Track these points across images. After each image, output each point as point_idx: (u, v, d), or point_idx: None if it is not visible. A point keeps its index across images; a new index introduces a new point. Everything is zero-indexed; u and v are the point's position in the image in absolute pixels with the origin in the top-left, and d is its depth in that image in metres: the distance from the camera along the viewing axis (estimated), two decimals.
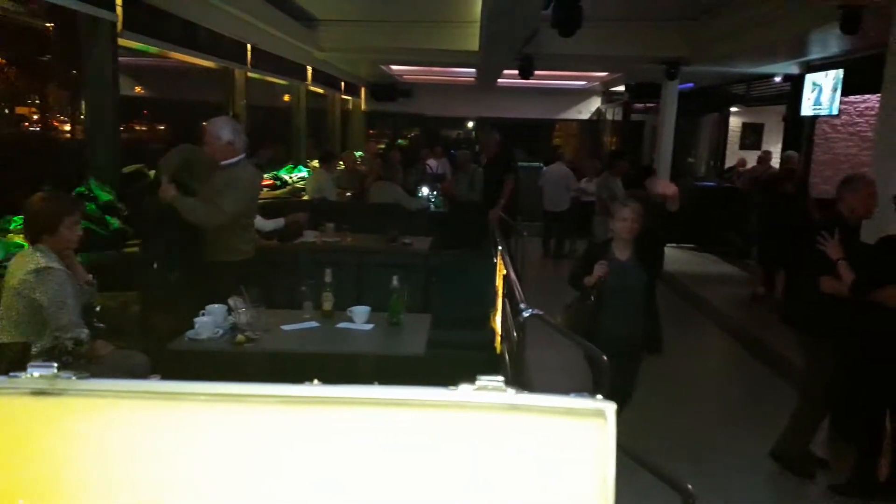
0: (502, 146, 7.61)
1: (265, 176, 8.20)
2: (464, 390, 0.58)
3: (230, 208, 3.75)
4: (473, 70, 11.57)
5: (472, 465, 0.55)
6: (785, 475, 3.92)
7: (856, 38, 6.46)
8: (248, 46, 7.65)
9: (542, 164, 13.96)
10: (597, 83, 14.56)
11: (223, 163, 3.83)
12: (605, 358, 3.40)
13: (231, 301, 3.49)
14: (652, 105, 12.18)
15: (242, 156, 3.92)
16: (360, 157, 11.40)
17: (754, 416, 4.86)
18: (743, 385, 5.68)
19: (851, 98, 9.06)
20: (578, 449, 0.55)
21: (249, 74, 7.96)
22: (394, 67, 13.13)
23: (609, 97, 15.73)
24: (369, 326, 3.64)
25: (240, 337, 3.37)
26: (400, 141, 15.97)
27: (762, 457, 4.02)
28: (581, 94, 16.26)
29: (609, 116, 16.27)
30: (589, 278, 3.62)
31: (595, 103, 16.62)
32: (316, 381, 0.58)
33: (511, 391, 0.58)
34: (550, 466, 0.55)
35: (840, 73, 8.51)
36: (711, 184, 12.10)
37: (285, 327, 3.59)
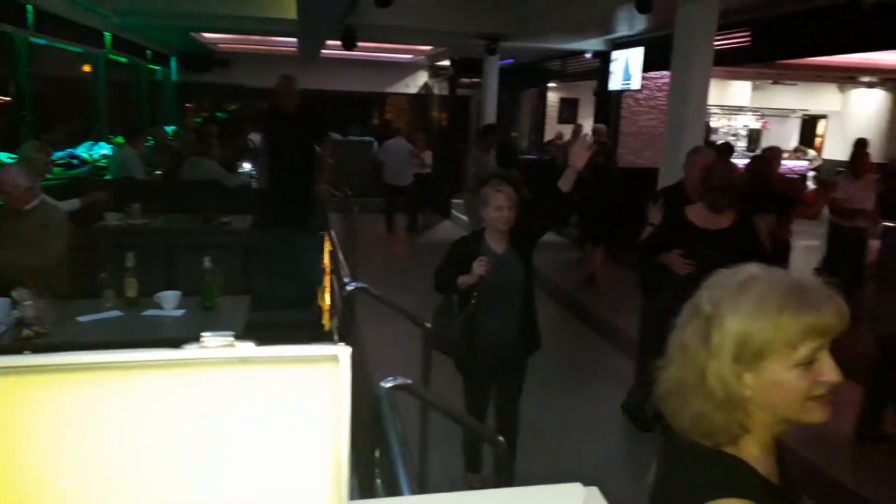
0: (307, 104, 6.84)
1: (59, 154, 7.40)
2: (190, 349, 0.55)
3: (58, 248, 3.71)
4: (295, 40, 11.20)
5: (202, 423, 0.53)
6: (632, 427, 4.35)
7: (653, 17, 7.09)
8: (30, 8, 6.81)
9: (374, 139, 13.98)
10: (422, 57, 14.73)
11: (27, 208, 3.73)
12: (490, 386, 3.40)
13: (14, 293, 3.14)
14: (477, 80, 12.58)
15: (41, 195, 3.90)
16: (173, 132, 10.64)
17: (593, 378, 5.30)
18: (578, 350, 6.07)
19: (652, 74, 9.95)
20: (313, 395, 0.55)
21: (33, 40, 7.11)
22: (207, 36, 12.36)
23: (436, 71, 16.01)
24: (180, 312, 3.45)
25: (26, 332, 3.04)
26: (219, 114, 15.13)
27: (613, 413, 4.42)
28: (408, 68, 16.39)
29: (436, 91, 16.57)
30: (466, 278, 3.12)
31: (422, 77, 16.83)
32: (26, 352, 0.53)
33: (242, 345, 0.56)
34: (284, 415, 0.55)
35: (641, 50, 9.32)
36: (533, 157, 12.79)
37: (82, 318, 3.30)
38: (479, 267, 3.06)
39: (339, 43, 9.46)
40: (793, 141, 15.82)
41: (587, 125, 12.25)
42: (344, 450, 0.54)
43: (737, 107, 15.06)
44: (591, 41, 10.27)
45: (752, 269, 1.09)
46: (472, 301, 3.16)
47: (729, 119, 15.52)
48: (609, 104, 10.82)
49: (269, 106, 6.11)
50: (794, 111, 15.64)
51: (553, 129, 14.57)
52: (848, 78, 13.89)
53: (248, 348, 0.56)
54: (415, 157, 10.71)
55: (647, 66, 9.29)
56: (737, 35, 7.72)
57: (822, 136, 15.33)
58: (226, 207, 6.03)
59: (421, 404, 2.96)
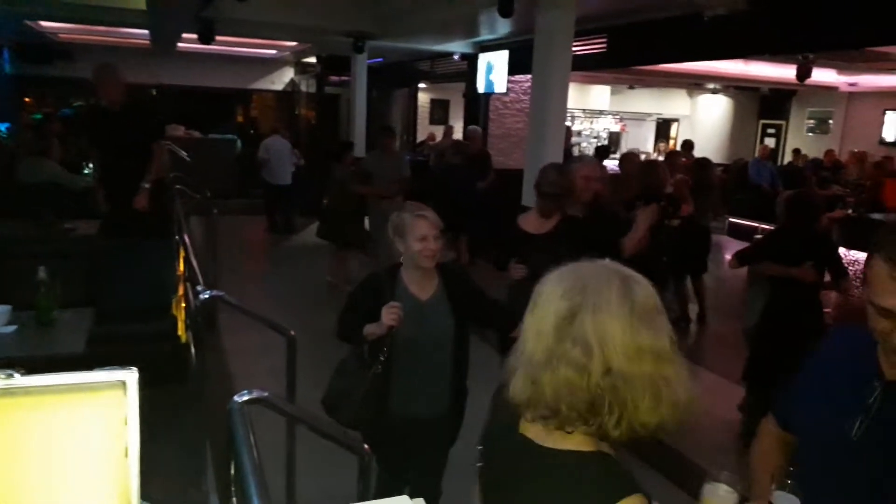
0: (137, 99, 6.24)
1: None
2: None
3: None
4: (147, 32, 10.58)
5: None
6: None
7: (516, 22, 7.34)
8: None
9: (235, 137, 13.47)
10: (287, 53, 14.40)
11: None
12: (397, 451, 2.69)
13: None
14: (346, 78, 12.48)
15: None
16: (6, 129, 9.74)
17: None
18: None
19: (518, 77, 10.31)
20: (98, 424, 0.52)
21: None
22: (45, 24, 11.38)
23: (303, 68, 15.71)
24: (11, 329, 3.16)
25: None
26: (65, 111, 13.99)
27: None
28: (273, 64, 15.95)
29: (304, 88, 16.26)
30: (373, 328, 2.47)
31: (288, 74, 16.45)
32: None
33: (19, 376, 0.52)
34: (68, 446, 0.51)
35: (506, 53, 9.64)
36: (406, 157, 12.86)
37: None
38: (388, 315, 2.37)
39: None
40: (649, 143, 16.97)
41: (458, 126, 12.50)
42: (133, 479, 0.52)
43: (598, 110, 15.95)
44: (458, 43, 10.49)
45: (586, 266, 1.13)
46: (382, 358, 2.46)
47: (591, 122, 16.42)
48: (478, 106, 11.09)
49: (90, 102, 5.55)
50: (649, 115, 16.80)
51: (425, 129, 14.75)
52: (695, 84, 15.14)
53: (27, 380, 0.52)
54: (291, 157, 10.45)
55: (513, 69, 9.63)
56: (594, 41, 8.18)
57: (674, 139, 16.56)
58: (70, 212, 5.60)
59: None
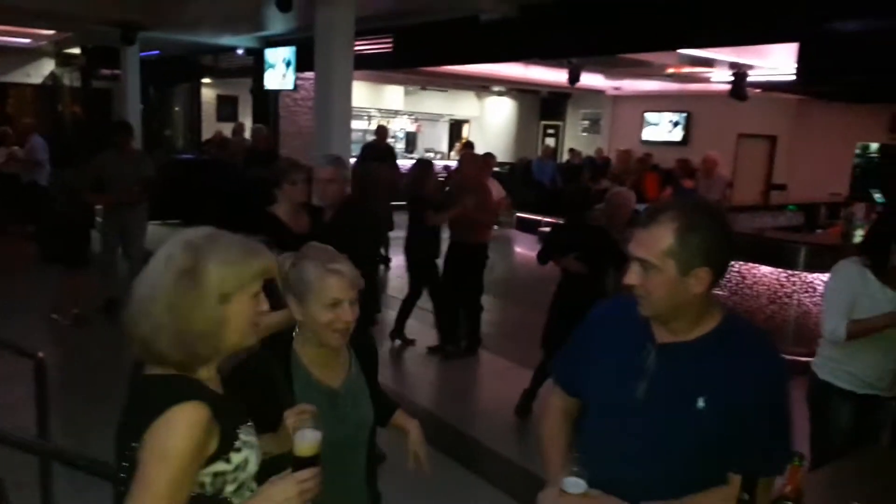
0: None
1: None
2: None
3: None
4: None
5: None
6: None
7: (301, 17, 7.17)
8: None
9: None
10: (44, 42, 12.87)
11: None
12: None
13: None
14: (118, 72, 11.42)
15: None
16: None
17: None
18: None
19: (308, 74, 10.13)
20: None
21: None
22: None
23: (65, 60, 14.13)
24: None
25: None
26: None
27: None
28: (28, 54, 14.15)
29: (67, 82, 14.64)
30: (273, 444, 1.70)
31: (48, 66, 14.70)
32: None
33: None
34: None
35: (293, 49, 9.40)
36: (190, 156, 12.09)
37: None
38: (294, 417, 1.65)
39: None
40: (444, 143, 17.57)
41: (248, 124, 11.99)
42: None
43: (393, 110, 16.18)
44: (244, 37, 10.06)
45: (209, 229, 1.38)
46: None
47: (388, 122, 16.62)
48: (267, 103, 10.73)
49: None
50: (442, 115, 17.38)
51: (212, 127, 13.96)
52: (482, 87, 15.94)
53: None
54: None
55: (302, 66, 9.42)
56: (381, 41, 8.25)
57: (467, 139, 17.30)
58: None
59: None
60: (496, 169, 12.93)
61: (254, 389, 1.69)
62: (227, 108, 14.60)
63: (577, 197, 5.23)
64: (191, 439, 1.24)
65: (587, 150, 14.41)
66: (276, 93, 10.39)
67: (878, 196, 9.12)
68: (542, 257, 4.64)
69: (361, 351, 1.99)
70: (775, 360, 1.60)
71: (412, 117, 16.88)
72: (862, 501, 1.38)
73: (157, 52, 11.60)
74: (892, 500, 1.83)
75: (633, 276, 1.55)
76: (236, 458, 1.34)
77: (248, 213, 3.68)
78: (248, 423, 1.43)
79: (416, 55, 8.43)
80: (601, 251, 4.23)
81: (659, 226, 1.51)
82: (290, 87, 9.67)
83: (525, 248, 10.74)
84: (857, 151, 12.83)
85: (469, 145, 8.81)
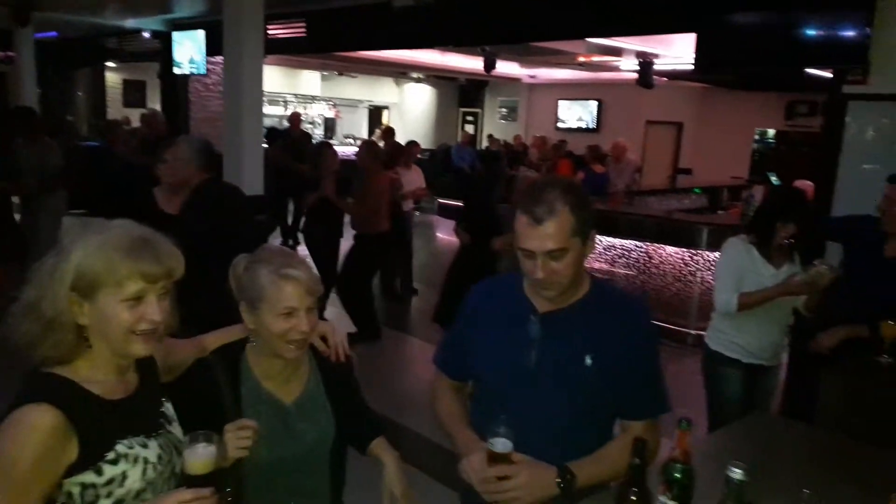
0: None
1: None
2: None
3: None
4: None
5: None
6: None
7: (210, 1, 6.94)
8: None
9: None
10: None
11: None
12: None
13: None
14: (11, 54, 10.71)
15: None
16: None
17: None
18: None
19: (218, 58, 9.81)
20: None
21: None
22: None
23: None
24: None
25: None
26: None
27: None
28: None
29: None
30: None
31: None
32: None
33: None
34: None
35: (202, 33, 9.08)
36: (95, 143, 11.50)
37: None
38: (235, 445, 1.47)
39: None
40: (364, 129, 17.42)
41: (158, 108, 11.51)
42: None
43: (310, 96, 15.90)
44: (149, 20, 9.63)
45: (119, 220, 1.32)
46: (230, 500, 1.41)
47: (305, 108, 16.30)
48: (176, 88, 10.33)
49: None
50: (361, 101, 17.21)
51: (119, 112, 13.32)
52: (401, 73, 15.87)
53: None
54: None
55: (212, 50, 9.12)
56: (293, 25, 8.09)
57: (387, 125, 17.20)
58: None
59: None
60: (418, 156, 13.08)
61: (194, 400, 1.58)
62: (133, 93, 13.97)
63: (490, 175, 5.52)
64: (31, 445, 1.16)
65: (505, 136, 14.61)
66: (186, 77, 10.02)
67: (774, 179, 9.68)
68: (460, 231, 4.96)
69: (327, 363, 1.81)
70: (645, 315, 1.78)
71: (330, 103, 16.63)
72: (744, 463, 1.48)
73: (54, 33, 10.95)
74: (773, 462, 1.97)
75: (544, 270, 1.59)
76: (110, 470, 1.25)
77: (133, 198, 3.64)
78: (142, 436, 1.33)
79: (330, 40, 8.31)
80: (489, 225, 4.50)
81: (557, 215, 1.56)
82: (200, 71, 9.34)
83: (447, 234, 10.82)
84: (756, 137, 13.57)
85: (389, 132, 8.71)
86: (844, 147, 3.98)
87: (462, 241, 4.72)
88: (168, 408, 1.48)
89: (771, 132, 13.43)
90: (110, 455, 1.26)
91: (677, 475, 1.44)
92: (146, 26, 9.98)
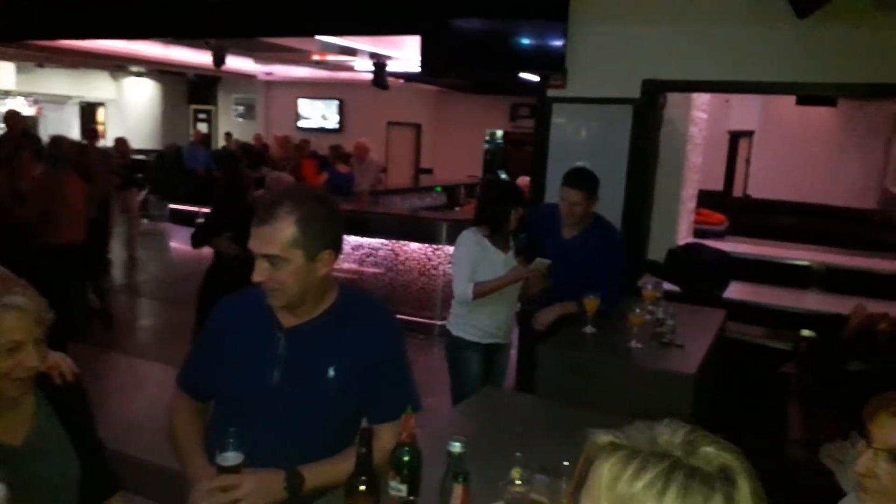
0: None
1: None
2: None
3: None
4: None
5: None
6: None
7: None
8: None
9: None
10: None
11: None
12: None
13: None
14: None
15: None
16: None
17: None
18: None
19: None
20: None
21: None
22: None
23: None
24: None
25: None
26: None
27: None
28: None
29: None
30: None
31: None
32: None
33: None
34: None
35: None
36: None
37: None
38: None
39: None
40: (74, 128, 15.67)
41: None
42: None
43: (3, 91, 13.92)
44: None
45: None
46: None
47: None
48: None
49: None
50: (70, 97, 15.47)
51: None
52: (118, 67, 14.55)
53: None
54: None
55: None
56: None
57: (103, 124, 15.68)
58: None
59: None
60: (142, 157, 12.10)
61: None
62: None
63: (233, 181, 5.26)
64: None
65: (245, 136, 14.17)
66: None
67: (504, 176, 10.70)
68: (197, 240, 4.66)
69: (56, 392, 1.61)
70: (389, 321, 1.85)
71: (30, 99, 14.69)
72: (470, 436, 1.65)
73: None
74: (500, 432, 2.20)
75: (260, 273, 1.62)
76: None
77: None
78: None
79: (14, 27, 7.33)
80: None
81: (278, 220, 1.59)
82: None
83: (180, 243, 10.16)
84: (487, 138, 14.83)
85: (92, 133, 7.89)
86: (551, 145, 4.55)
87: (227, 252, 4.34)
88: None
89: (499, 133, 14.77)
90: None
91: (406, 458, 1.56)
92: None
